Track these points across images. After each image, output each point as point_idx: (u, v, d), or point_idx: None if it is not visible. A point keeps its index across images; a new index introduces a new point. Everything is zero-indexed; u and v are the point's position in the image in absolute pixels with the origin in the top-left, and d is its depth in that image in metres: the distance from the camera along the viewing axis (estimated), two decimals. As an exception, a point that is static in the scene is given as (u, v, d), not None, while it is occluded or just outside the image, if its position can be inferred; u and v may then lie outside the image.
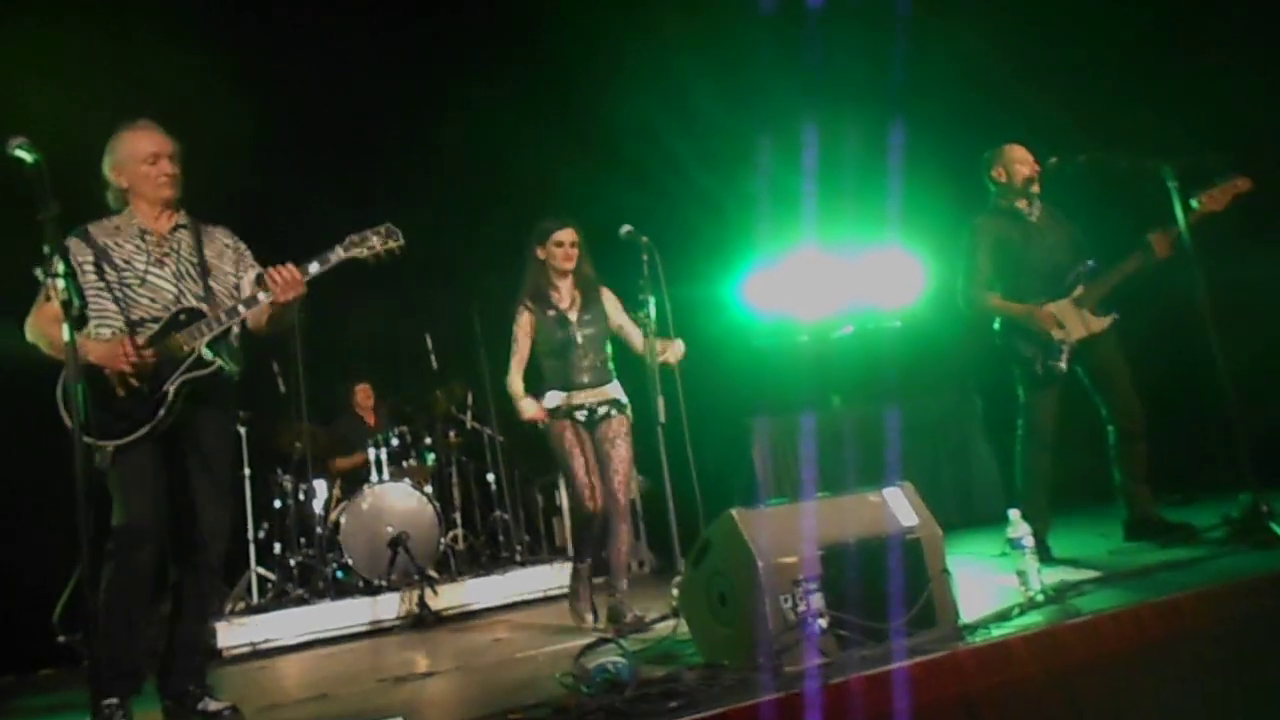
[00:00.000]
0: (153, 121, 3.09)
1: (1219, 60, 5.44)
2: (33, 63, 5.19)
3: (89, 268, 2.95)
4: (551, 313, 4.03)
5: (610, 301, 4.08)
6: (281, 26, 6.12)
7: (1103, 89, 5.79)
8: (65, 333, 2.46)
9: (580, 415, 3.97)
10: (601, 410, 3.99)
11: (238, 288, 3.13)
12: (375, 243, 3.05)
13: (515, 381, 4.04)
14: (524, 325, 4.04)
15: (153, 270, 3.00)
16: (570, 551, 6.40)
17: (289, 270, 2.93)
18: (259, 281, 3.13)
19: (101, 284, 2.94)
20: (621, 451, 3.95)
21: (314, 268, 2.98)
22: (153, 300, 2.98)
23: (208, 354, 2.94)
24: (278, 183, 6.32)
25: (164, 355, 2.90)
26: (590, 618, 3.98)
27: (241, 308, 2.98)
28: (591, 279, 4.07)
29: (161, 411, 2.87)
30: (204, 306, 3.00)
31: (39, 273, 2.82)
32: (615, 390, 4.03)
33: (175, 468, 2.97)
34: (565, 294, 4.08)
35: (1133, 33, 5.79)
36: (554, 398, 3.99)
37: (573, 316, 4.04)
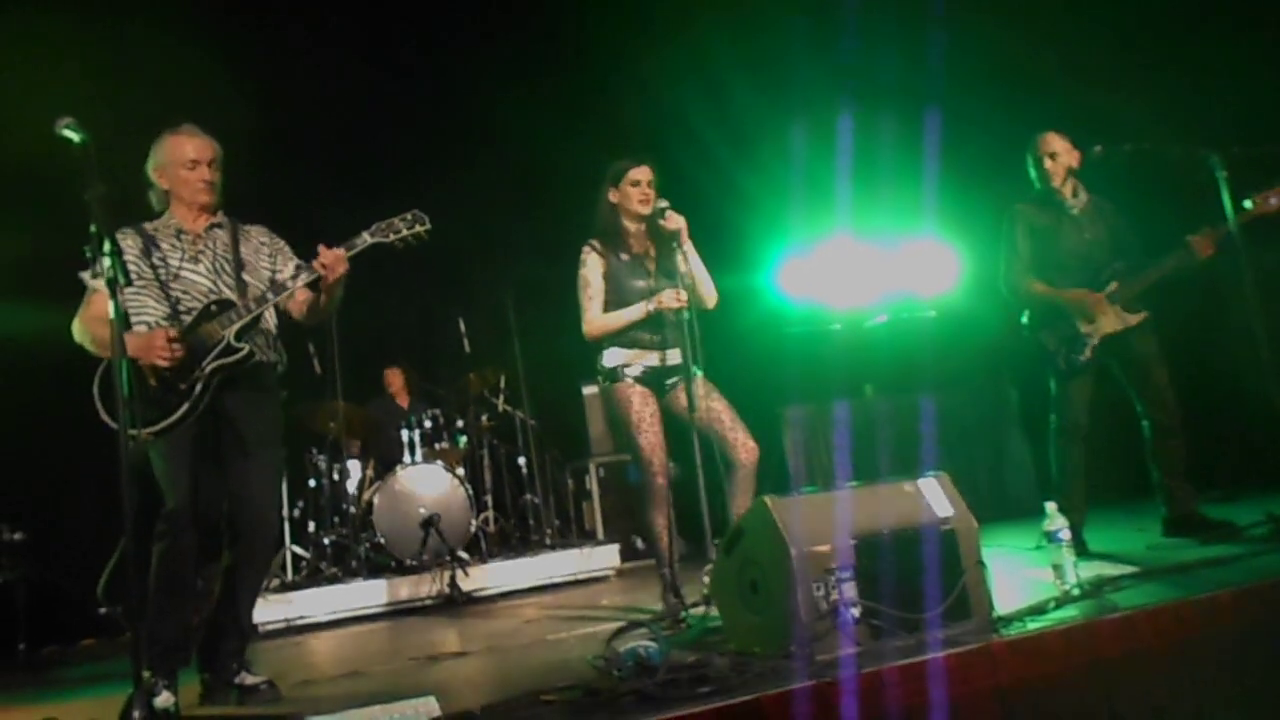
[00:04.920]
0: (195, 127, 3.16)
1: (1270, 47, 5.31)
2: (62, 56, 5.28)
3: (131, 264, 3.01)
4: (625, 257, 3.61)
5: (689, 253, 3.59)
6: (333, 24, 6.21)
7: (1148, 77, 5.67)
8: (111, 310, 2.50)
9: (648, 378, 3.57)
10: (673, 376, 3.57)
11: (273, 281, 3.17)
12: (402, 228, 3.12)
13: (599, 317, 3.57)
14: (593, 265, 3.59)
15: (186, 266, 3.08)
16: (599, 536, 6.48)
17: (333, 251, 3.00)
18: (298, 270, 3.17)
19: (142, 281, 3.02)
20: (722, 403, 3.49)
21: (342, 251, 3.04)
22: (186, 293, 3.04)
23: (236, 341, 2.98)
24: (322, 172, 6.40)
25: (195, 344, 2.95)
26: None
27: (270, 294, 3.03)
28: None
29: (193, 397, 2.92)
30: (235, 297, 3.06)
31: (85, 275, 2.90)
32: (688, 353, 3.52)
33: (224, 455, 3.03)
34: (641, 240, 3.66)
35: (1180, 19, 5.67)
36: (616, 356, 3.57)
37: (650, 265, 3.63)
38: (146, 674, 2.72)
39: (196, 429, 2.95)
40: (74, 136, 2.50)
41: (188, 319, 3.00)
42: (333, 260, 3.00)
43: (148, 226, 3.13)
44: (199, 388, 2.93)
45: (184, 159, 3.09)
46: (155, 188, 3.15)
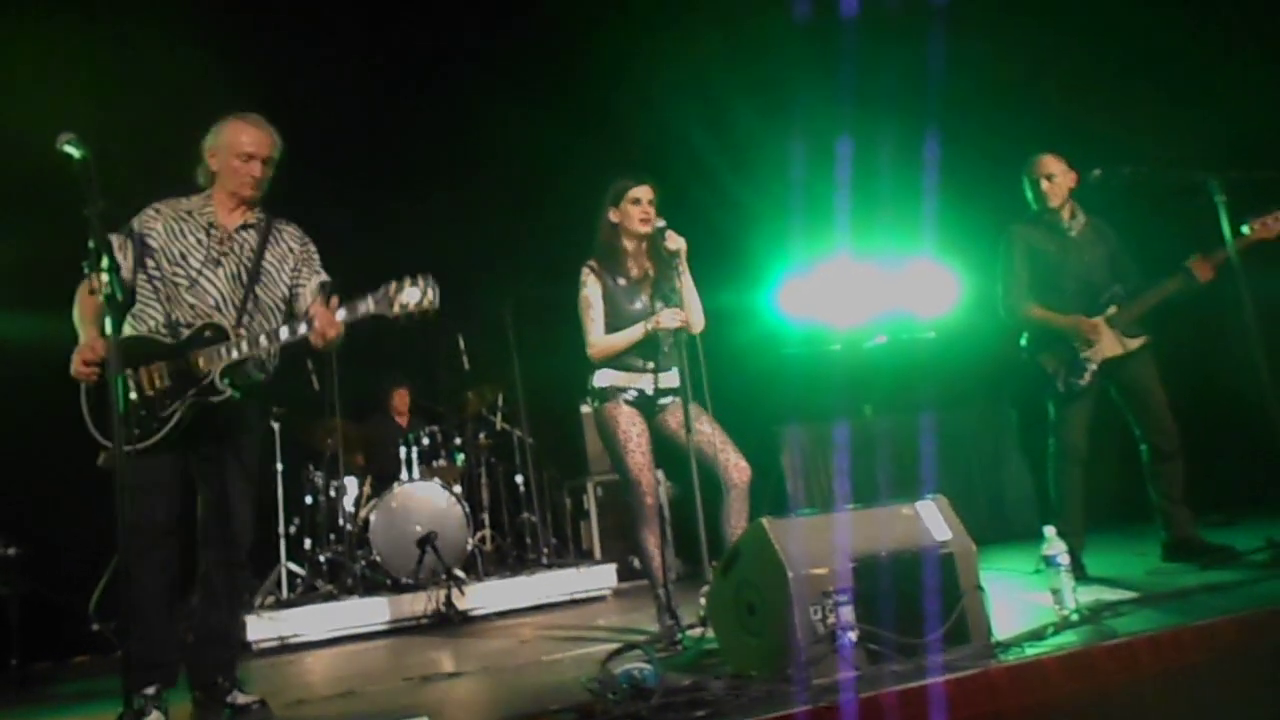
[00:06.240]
0: (261, 119, 3.10)
1: (1270, 71, 5.34)
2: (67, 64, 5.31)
3: (153, 241, 2.99)
4: (622, 281, 3.61)
5: (684, 275, 3.53)
6: (336, 39, 6.26)
7: (1148, 100, 5.71)
8: (108, 327, 2.50)
9: (639, 401, 3.57)
10: (665, 397, 3.59)
11: (287, 298, 3.14)
12: (409, 301, 2.88)
13: (605, 339, 3.55)
14: (593, 286, 3.58)
15: (206, 271, 3.02)
16: (596, 555, 6.46)
17: (327, 316, 2.89)
18: (321, 289, 3.14)
19: (157, 271, 2.99)
20: (712, 426, 3.46)
21: (340, 315, 2.92)
22: (193, 305, 3.00)
23: (220, 382, 2.92)
24: (324, 187, 6.41)
25: (181, 371, 2.92)
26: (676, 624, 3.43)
27: (263, 339, 2.95)
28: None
29: (169, 427, 2.89)
30: (238, 319, 3.00)
31: (86, 266, 2.88)
32: (677, 377, 3.55)
33: (201, 467, 3.01)
34: (640, 261, 3.66)
35: (1178, 42, 5.70)
36: (607, 377, 3.58)
37: (646, 289, 3.64)
38: (140, 700, 2.70)
39: (178, 446, 2.92)
40: (75, 152, 2.51)
41: (185, 332, 2.96)
42: (323, 327, 2.88)
43: (181, 205, 3.07)
44: (177, 417, 2.90)
45: (239, 149, 3.03)
46: (204, 165, 3.10)
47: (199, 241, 3.04)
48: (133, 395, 2.87)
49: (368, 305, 2.90)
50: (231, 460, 3.04)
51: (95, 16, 5.39)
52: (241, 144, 3.03)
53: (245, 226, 3.11)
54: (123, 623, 2.47)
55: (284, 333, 2.96)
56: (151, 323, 2.99)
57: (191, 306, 3.00)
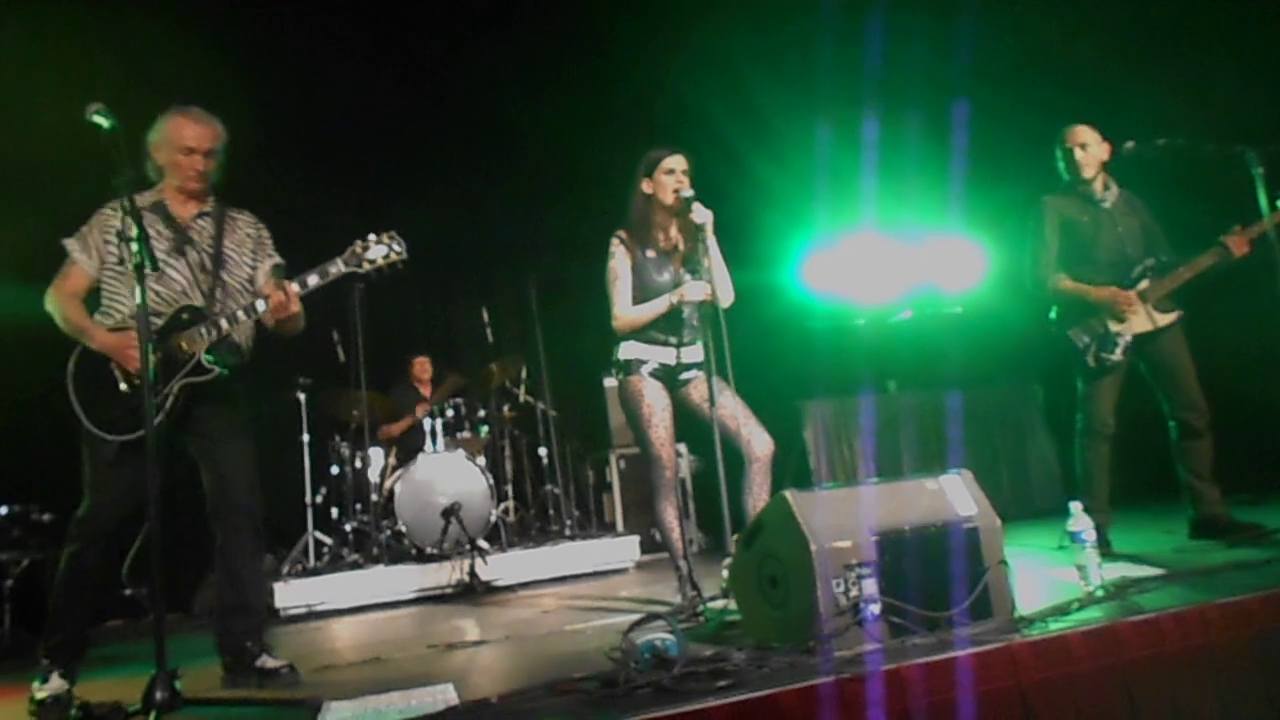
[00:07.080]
0: (202, 111, 3.11)
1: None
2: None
3: (112, 250, 3.03)
4: (651, 253, 3.60)
5: (712, 248, 3.53)
6: (359, 20, 6.25)
7: (1183, 71, 5.58)
8: (137, 295, 2.53)
9: (663, 373, 3.57)
10: (688, 370, 3.59)
11: (252, 280, 3.17)
12: (376, 258, 3.00)
13: (631, 311, 3.54)
14: (622, 257, 3.57)
15: (169, 261, 3.04)
16: (618, 528, 6.49)
17: (280, 293, 2.95)
18: (274, 272, 3.18)
19: (121, 267, 3.01)
20: (735, 400, 3.47)
21: (313, 280, 2.99)
22: (161, 293, 3.01)
23: (207, 359, 2.97)
24: (347, 167, 6.43)
25: (166, 356, 2.95)
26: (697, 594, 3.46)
27: (240, 314, 3.00)
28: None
29: (163, 413, 2.92)
30: (208, 304, 3.03)
31: (68, 242, 2.93)
32: (702, 351, 3.53)
33: (199, 445, 3.06)
34: (672, 235, 3.66)
35: (1214, 9, 5.56)
36: (632, 349, 3.57)
37: (676, 261, 3.63)
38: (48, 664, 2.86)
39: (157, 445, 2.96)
40: (103, 122, 2.53)
41: (158, 322, 2.97)
42: (278, 304, 2.94)
43: (138, 204, 3.08)
44: (170, 401, 2.94)
45: (181, 144, 3.05)
46: (151, 160, 3.13)
47: (159, 233, 3.06)
48: (123, 387, 2.93)
49: (338, 267, 3.01)
50: (229, 434, 3.08)
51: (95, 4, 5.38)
52: (184, 138, 3.06)
53: (201, 215, 3.15)
54: (161, 587, 2.52)
55: (240, 314, 3.00)
56: (119, 315, 3.02)
57: (159, 294, 3.01)
